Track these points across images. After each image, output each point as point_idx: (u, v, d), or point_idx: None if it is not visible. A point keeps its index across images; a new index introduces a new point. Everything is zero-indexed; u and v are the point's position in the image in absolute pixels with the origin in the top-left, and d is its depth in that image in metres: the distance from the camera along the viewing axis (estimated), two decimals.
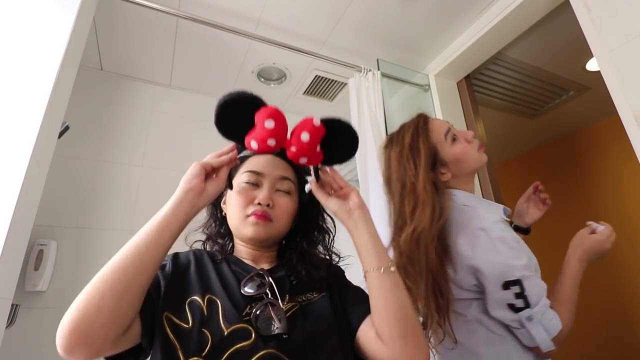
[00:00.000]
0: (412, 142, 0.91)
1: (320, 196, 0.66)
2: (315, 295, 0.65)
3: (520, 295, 0.75)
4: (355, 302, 0.65)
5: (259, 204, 0.66)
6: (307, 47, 1.60)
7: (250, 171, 0.70)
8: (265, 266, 0.69)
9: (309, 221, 0.75)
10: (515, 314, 0.76)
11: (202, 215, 0.77)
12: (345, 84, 1.95)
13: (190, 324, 0.55)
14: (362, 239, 0.62)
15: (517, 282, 0.76)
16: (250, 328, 0.56)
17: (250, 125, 0.59)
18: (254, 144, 0.59)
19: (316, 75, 1.93)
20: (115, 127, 1.77)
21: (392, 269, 0.59)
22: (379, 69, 1.73)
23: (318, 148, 0.61)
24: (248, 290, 0.61)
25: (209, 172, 0.60)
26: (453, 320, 0.81)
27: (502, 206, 0.95)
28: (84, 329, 0.46)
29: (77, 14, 1.11)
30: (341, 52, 1.76)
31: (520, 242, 0.83)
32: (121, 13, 1.49)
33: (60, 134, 1.15)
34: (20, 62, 0.99)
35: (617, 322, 2.38)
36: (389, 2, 1.51)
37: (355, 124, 1.60)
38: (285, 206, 0.69)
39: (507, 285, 0.76)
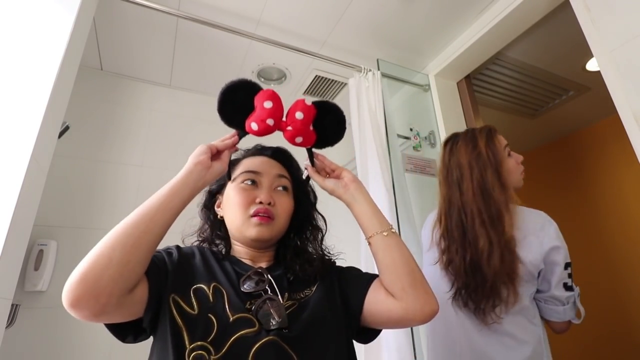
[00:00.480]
0: (487, 145, 1.02)
1: (317, 178, 0.73)
2: (311, 290, 0.66)
3: (571, 275, 0.93)
4: (354, 279, 0.69)
5: (261, 202, 0.66)
6: (307, 47, 1.60)
7: (247, 171, 0.70)
8: (264, 265, 0.70)
9: (303, 219, 0.76)
10: (568, 292, 0.92)
11: (197, 220, 0.77)
12: (345, 84, 1.95)
13: (196, 310, 0.56)
14: (361, 208, 0.68)
15: (571, 264, 0.92)
16: (254, 318, 0.57)
17: (249, 110, 0.65)
18: (254, 125, 0.64)
19: (316, 75, 1.93)
20: (115, 127, 1.77)
21: (393, 230, 0.66)
22: (379, 69, 1.73)
23: (311, 127, 0.67)
24: (247, 288, 0.62)
25: (214, 154, 0.64)
26: (503, 309, 0.93)
27: None
28: (92, 279, 0.47)
29: (77, 14, 1.11)
30: (341, 52, 1.76)
31: None
32: (121, 13, 1.50)
33: (60, 134, 1.15)
34: (20, 62, 0.99)
35: (617, 320, 2.38)
36: (389, 2, 1.51)
37: (355, 124, 1.62)
38: (285, 204, 0.70)
39: (567, 266, 0.92)
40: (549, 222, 0.95)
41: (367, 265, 1.28)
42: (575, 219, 2.65)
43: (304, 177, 0.78)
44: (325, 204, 0.82)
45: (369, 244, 0.67)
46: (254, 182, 0.69)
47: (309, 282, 0.68)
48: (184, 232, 0.76)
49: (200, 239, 0.75)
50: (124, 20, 1.54)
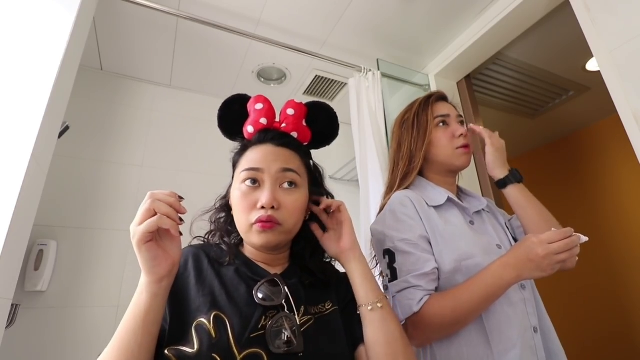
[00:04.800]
0: (417, 111, 0.95)
1: (318, 234, 0.70)
2: (328, 307, 0.63)
3: (391, 266, 0.79)
4: (356, 322, 0.64)
5: (263, 207, 0.59)
6: (307, 47, 1.60)
7: (247, 169, 0.63)
8: (278, 269, 0.65)
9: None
10: (383, 282, 0.83)
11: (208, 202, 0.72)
12: (345, 84, 1.95)
13: (196, 348, 0.50)
14: (351, 276, 0.65)
15: (391, 253, 0.79)
16: (263, 353, 0.52)
17: (245, 119, 0.70)
18: (249, 128, 0.68)
19: (316, 75, 1.93)
20: (115, 127, 1.77)
21: (379, 305, 0.61)
22: (379, 69, 1.73)
23: (304, 122, 0.71)
24: (262, 299, 0.56)
25: (158, 241, 0.50)
26: None
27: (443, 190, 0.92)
28: None
29: (77, 14, 1.10)
30: (341, 52, 1.76)
31: (414, 219, 0.81)
32: (121, 13, 1.49)
33: (60, 134, 1.15)
34: (20, 62, 0.99)
35: (617, 321, 2.38)
36: (389, 2, 1.51)
37: (355, 124, 1.62)
38: (291, 204, 0.62)
39: (385, 254, 0.81)
40: (390, 200, 0.87)
41: (366, 254, 1.27)
42: (575, 219, 2.65)
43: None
44: None
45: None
46: (255, 182, 0.62)
47: (326, 288, 0.65)
48: (195, 214, 0.69)
49: (211, 223, 0.70)
50: (124, 20, 1.54)
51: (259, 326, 0.54)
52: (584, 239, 0.65)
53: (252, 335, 0.52)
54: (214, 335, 0.50)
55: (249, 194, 0.61)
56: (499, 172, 0.91)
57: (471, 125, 0.96)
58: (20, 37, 1.02)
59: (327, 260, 0.72)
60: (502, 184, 0.91)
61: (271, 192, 0.60)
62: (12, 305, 1.08)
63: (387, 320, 0.60)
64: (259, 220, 0.59)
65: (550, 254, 0.64)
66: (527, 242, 0.67)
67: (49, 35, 1.05)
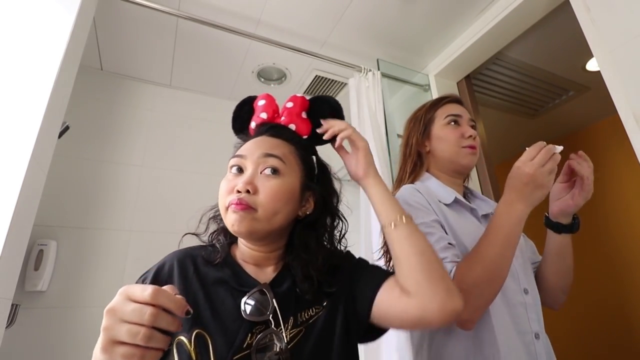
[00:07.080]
0: (428, 109, 0.98)
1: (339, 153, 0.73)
2: (319, 309, 0.59)
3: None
4: (365, 277, 0.62)
5: (238, 191, 0.58)
6: (307, 47, 1.60)
7: (232, 157, 0.64)
8: (270, 271, 0.62)
9: (321, 205, 0.67)
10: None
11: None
12: (345, 84, 1.95)
13: None
14: (369, 197, 0.66)
15: None
16: None
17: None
18: (252, 124, 0.70)
19: (316, 75, 1.93)
20: (115, 127, 1.77)
21: (403, 219, 0.60)
22: (379, 69, 1.73)
23: (304, 115, 0.70)
24: (248, 313, 0.53)
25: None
26: None
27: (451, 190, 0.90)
28: None
29: (77, 14, 1.11)
30: (341, 52, 1.76)
31: (426, 207, 0.81)
32: (121, 13, 1.50)
33: (60, 134, 1.15)
34: (20, 62, 0.99)
35: (617, 321, 2.38)
36: (389, 2, 1.51)
37: (355, 124, 1.62)
38: (269, 189, 0.58)
39: None
40: (399, 192, 0.87)
41: (366, 253, 1.28)
42: None
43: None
44: None
45: (384, 235, 0.62)
46: (240, 170, 0.62)
47: (321, 291, 0.60)
48: (204, 211, 0.69)
49: (215, 222, 0.68)
50: (124, 20, 1.54)
51: (244, 345, 0.51)
52: (559, 148, 0.71)
53: (235, 357, 0.49)
54: (194, 357, 0.45)
55: (230, 180, 0.61)
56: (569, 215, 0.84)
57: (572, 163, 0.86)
58: (21, 37, 1.02)
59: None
60: (562, 228, 0.84)
61: (247, 176, 0.59)
62: (12, 305, 1.09)
63: (414, 233, 0.59)
64: (231, 203, 0.57)
65: (538, 167, 0.67)
66: (513, 173, 0.70)
67: (49, 36, 1.05)
